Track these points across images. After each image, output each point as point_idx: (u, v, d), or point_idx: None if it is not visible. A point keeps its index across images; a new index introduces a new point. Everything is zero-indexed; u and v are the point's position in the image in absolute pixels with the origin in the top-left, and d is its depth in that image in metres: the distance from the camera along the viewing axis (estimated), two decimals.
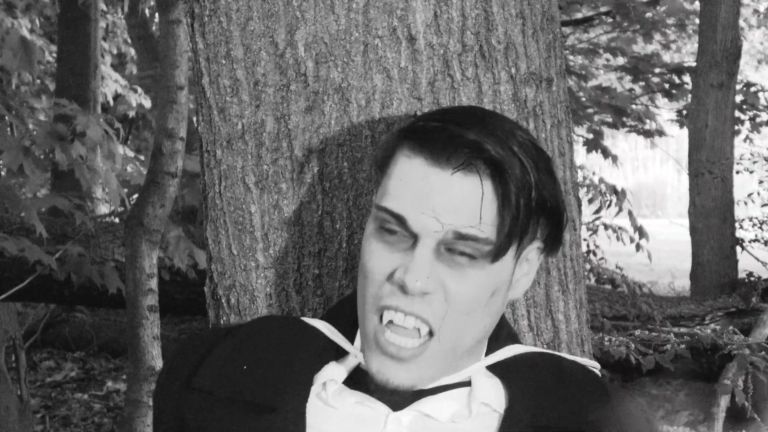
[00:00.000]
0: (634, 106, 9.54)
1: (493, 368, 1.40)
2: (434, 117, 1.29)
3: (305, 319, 1.47)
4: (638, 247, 8.08)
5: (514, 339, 1.47)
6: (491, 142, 1.22)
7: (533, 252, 1.35)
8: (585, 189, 7.95)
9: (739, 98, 8.89)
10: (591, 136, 9.64)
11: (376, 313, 1.30)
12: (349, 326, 1.41)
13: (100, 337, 8.73)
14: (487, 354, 1.41)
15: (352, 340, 1.41)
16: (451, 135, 1.23)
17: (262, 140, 1.68)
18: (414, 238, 1.25)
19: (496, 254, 1.26)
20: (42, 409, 7.24)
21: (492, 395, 1.37)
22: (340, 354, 1.41)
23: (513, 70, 1.69)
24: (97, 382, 7.97)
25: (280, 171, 1.67)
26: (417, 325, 1.28)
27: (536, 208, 1.28)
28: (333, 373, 1.37)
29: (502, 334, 1.44)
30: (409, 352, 1.29)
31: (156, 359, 4.58)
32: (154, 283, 4.59)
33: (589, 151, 9.52)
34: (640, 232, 7.86)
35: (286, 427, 1.33)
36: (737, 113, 8.82)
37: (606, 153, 9.41)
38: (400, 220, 1.25)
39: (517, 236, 1.27)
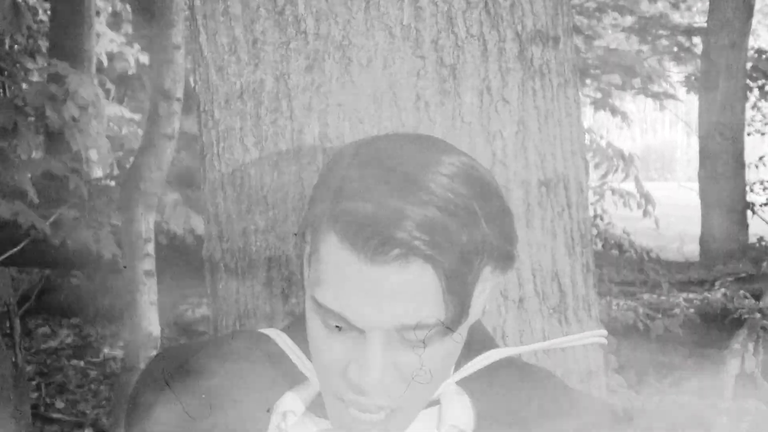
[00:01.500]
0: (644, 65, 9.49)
1: (462, 382, 1.38)
2: (355, 194, 1.17)
3: (270, 332, 1.43)
4: (646, 213, 8.09)
5: (488, 343, 1.44)
6: (423, 233, 1.14)
7: (487, 273, 1.28)
8: (591, 153, 7.94)
9: (749, 65, 8.85)
10: (599, 95, 9.61)
11: (335, 398, 1.27)
12: None
13: (97, 303, 8.73)
14: (459, 364, 1.38)
15: None
16: (381, 235, 1.14)
17: (261, 100, 1.68)
18: (361, 330, 1.20)
19: (451, 327, 1.21)
20: (37, 376, 7.27)
21: (461, 416, 1.35)
22: (303, 377, 1.38)
23: (519, 28, 1.68)
24: (93, 348, 8.00)
25: (279, 131, 1.67)
26: (380, 406, 1.25)
27: (484, 257, 1.22)
28: (293, 402, 1.36)
29: (473, 341, 1.39)
30: (378, 426, 1.26)
31: (153, 325, 4.60)
32: (150, 248, 4.60)
33: (597, 109, 9.49)
34: (647, 198, 7.86)
35: None
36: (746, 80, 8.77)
37: (614, 111, 9.38)
38: (342, 317, 1.19)
39: (468, 303, 1.22)
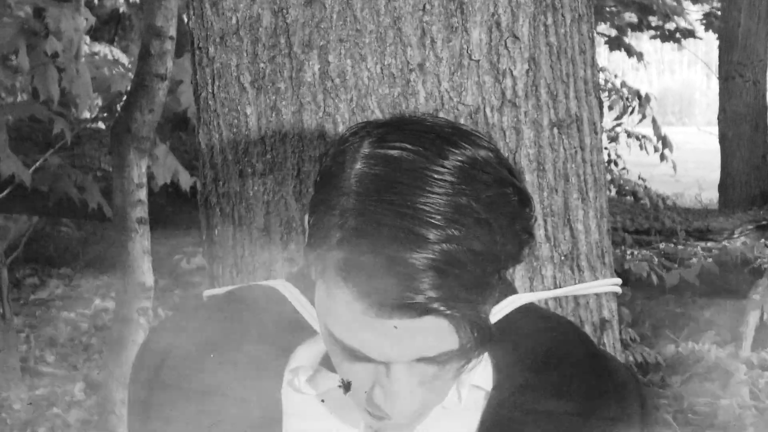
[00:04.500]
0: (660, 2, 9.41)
1: None
2: (361, 241, 1.15)
3: (278, 285, 1.44)
4: (662, 157, 8.06)
5: (508, 289, 1.44)
6: (439, 290, 1.13)
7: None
8: (606, 94, 7.91)
9: None
10: (614, 32, 9.54)
11: (361, 409, 1.28)
12: None
13: (87, 252, 8.76)
14: None
15: None
16: (395, 299, 1.13)
17: (258, 36, 1.67)
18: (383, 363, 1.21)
19: (474, 351, 1.21)
20: (26, 328, 7.31)
21: (480, 374, 1.37)
22: (314, 331, 1.38)
23: None
24: (84, 299, 8.03)
25: (277, 69, 1.66)
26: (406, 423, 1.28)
27: (502, 268, 1.21)
28: (304, 357, 1.37)
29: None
30: (404, 428, 1.29)
31: (146, 274, 4.60)
32: (143, 194, 4.60)
33: (611, 49, 9.44)
34: (664, 141, 7.84)
35: (261, 418, 1.34)
36: None
37: (630, 51, 9.32)
38: (362, 353, 1.20)
39: (489, 324, 1.21)
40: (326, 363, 1.37)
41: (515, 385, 1.36)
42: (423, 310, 1.13)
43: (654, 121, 7.78)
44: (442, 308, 1.13)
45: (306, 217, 1.27)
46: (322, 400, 1.38)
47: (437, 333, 1.15)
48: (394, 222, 1.14)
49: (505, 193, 1.21)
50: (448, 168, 1.18)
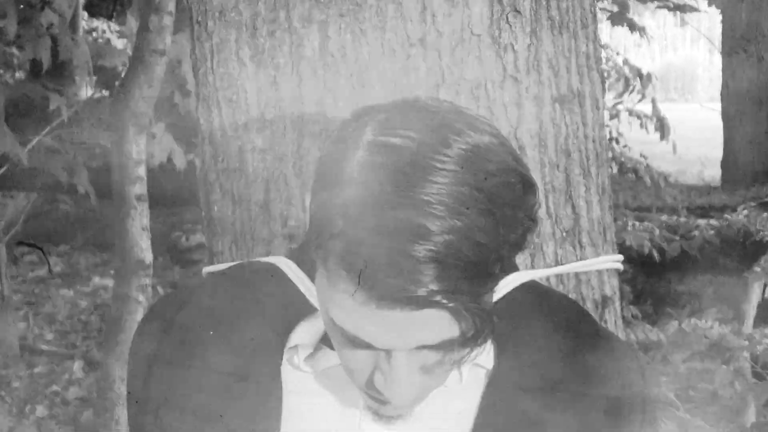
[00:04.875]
0: None
1: None
2: (362, 233, 1.14)
3: (278, 261, 1.44)
4: (663, 136, 8.06)
5: (508, 267, 1.45)
6: (442, 283, 1.12)
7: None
8: (606, 72, 7.89)
9: None
10: (615, 8, 9.51)
11: (362, 392, 1.29)
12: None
13: (86, 230, 8.76)
14: None
15: None
16: (398, 292, 1.12)
17: (257, 10, 1.66)
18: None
19: (476, 339, 1.21)
20: (24, 306, 7.32)
21: (481, 352, 1.36)
22: (314, 308, 1.38)
23: None
24: (82, 277, 8.04)
25: (277, 44, 1.65)
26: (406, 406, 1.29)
27: (505, 257, 1.21)
28: (304, 335, 1.37)
29: None
30: (403, 410, 1.30)
31: (145, 252, 4.60)
32: (142, 171, 4.59)
33: (614, 24, 9.41)
34: (663, 123, 7.82)
35: (261, 394, 1.35)
36: None
37: (633, 26, 9.29)
38: (362, 340, 1.20)
39: (491, 315, 1.21)
40: (326, 341, 1.37)
41: (516, 364, 1.36)
42: (424, 302, 1.13)
43: (654, 102, 7.77)
44: (444, 301, 1.13)
45: (307, 200, 1.27)
46: (321, 378, 1.38)
47: (438, 323, 1.15)
48: (396, 213, 1.13)
49: (508, 182, 1.19)
50: (451, 156, 1.16)
